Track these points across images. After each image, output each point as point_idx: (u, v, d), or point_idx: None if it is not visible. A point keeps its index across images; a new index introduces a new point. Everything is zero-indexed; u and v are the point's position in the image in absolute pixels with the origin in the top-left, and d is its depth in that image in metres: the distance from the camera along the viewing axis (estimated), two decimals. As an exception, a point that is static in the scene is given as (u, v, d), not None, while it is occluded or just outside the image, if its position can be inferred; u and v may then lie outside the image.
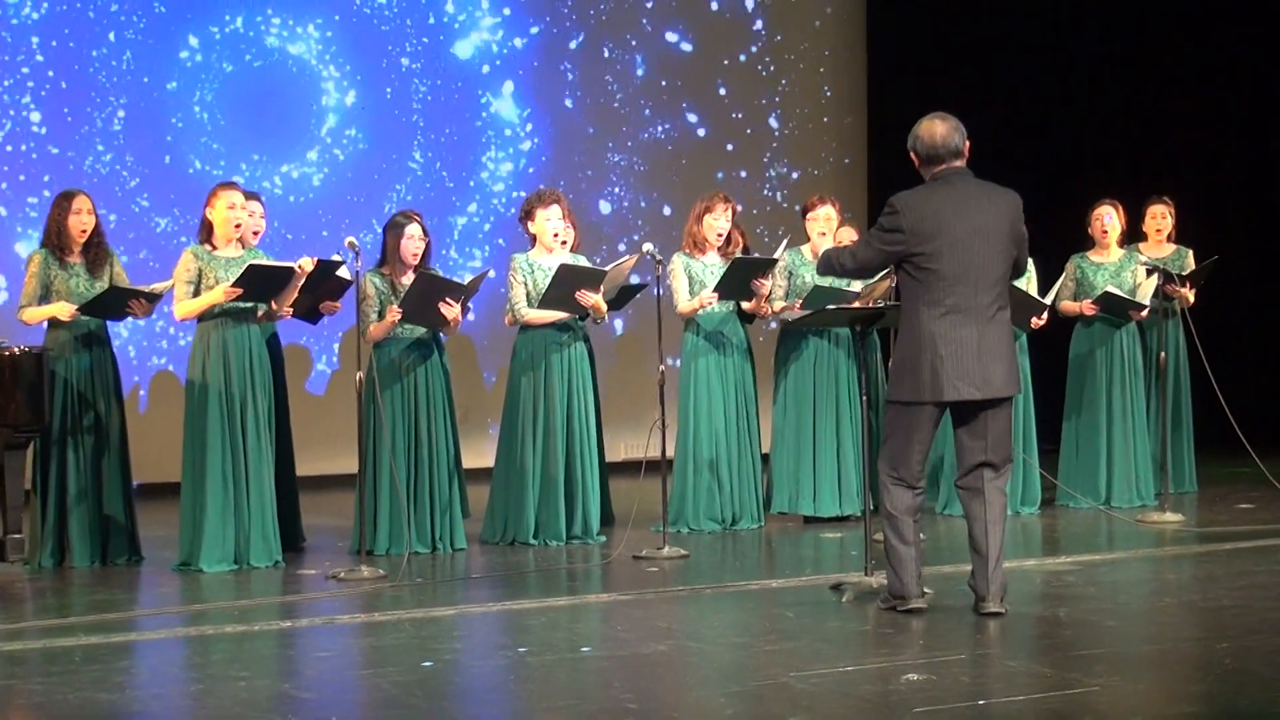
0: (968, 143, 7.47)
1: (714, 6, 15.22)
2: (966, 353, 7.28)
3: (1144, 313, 11.22)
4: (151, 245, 12.87)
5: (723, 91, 15.22)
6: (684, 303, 10.44)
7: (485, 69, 14.29)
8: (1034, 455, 11.02)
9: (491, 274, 9.98)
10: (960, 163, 7.44)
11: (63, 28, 12.79)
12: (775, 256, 10.43)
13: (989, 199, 7.41)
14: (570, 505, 10.02)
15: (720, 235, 10.49)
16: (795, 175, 15.42)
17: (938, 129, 7.42)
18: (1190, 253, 11.77)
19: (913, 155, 7.50)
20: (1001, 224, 7.39)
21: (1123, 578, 8.73)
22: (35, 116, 12.71)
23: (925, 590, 7.55)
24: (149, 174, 13.03)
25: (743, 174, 15.24)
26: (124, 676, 6.71)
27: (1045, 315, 10.73)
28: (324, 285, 9.86)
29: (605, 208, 14.71)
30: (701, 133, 15.13)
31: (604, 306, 10.04)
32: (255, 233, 9.75)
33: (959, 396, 7.31)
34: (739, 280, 10.27)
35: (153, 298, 9.41)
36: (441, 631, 7.50)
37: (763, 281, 10.33)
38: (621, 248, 14.40)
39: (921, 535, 7.66)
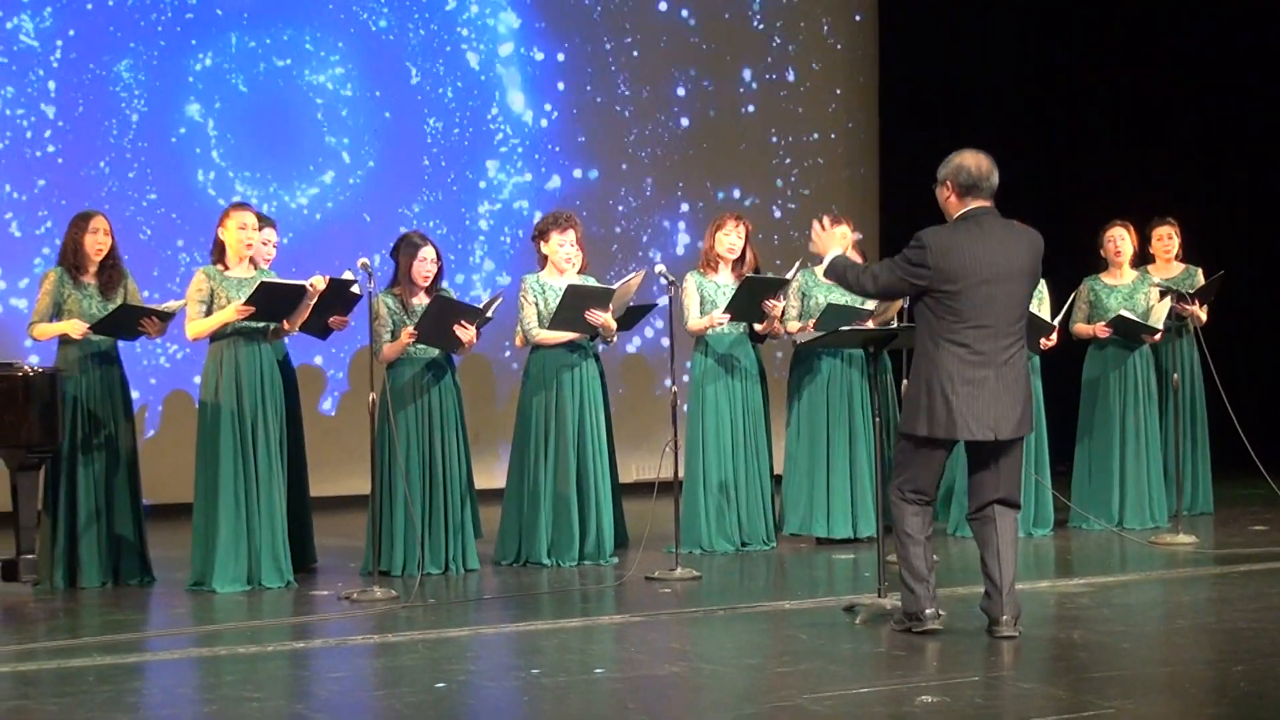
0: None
1: (720, 39, 15.24)
2: (982, 394, 7.24)
3: (1157, 336, 11.21)
4: (163, 265, 12.87)
5: (732, 110, 15.22)
6: (694, 321, 10.44)
7: (498, 86, 14.29)
8: (1046, 477, 11.01)
9: (500, 301, 9.97)
10: (990, 202, 7.39)
11: (75, 48, 12.80)
12: (788, 277, 10.43)
13: (1015, 241, 7.36)
14: (583, 526, 10.01)
15: (732, 250, 10.48)
16: (806, 192, 15.40)
17: (984, 164, 7.36)
18: (1199, 271, 11.77)
19: (947, 184, 7.40)
20: (1025, 266, 7.36)
21: (1136, 600, 8.71)
22: (48, 134, 12.72)
23: (940, 612, 7.51)
24: (161, 193, 13.02)
25: (753, 201, 15.23)
26: (137, 697, 6.72)
27: (1055, 336, 10.71)
28: (335, 303, 9.86)
29: (616, 227, 14.69)
30: (709, 151, 15.13)
31: (613, 325, 10.03)
32: (267, 260, 9.76)
33: (971, 437, 7.29)
34: (750, 300, 10.26)
35: (165, 316, 9.42)
36: (454, 652, 7.49)
37: (774, 303, 10.32)
38: (633, 266, 14.40)
39: (935, 557, 7.64)
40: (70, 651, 7.52)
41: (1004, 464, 7.41)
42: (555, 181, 14.49)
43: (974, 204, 7.36)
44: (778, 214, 15.32)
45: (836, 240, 7.84)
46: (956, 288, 7.22)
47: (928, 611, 7.43)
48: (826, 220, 8.15)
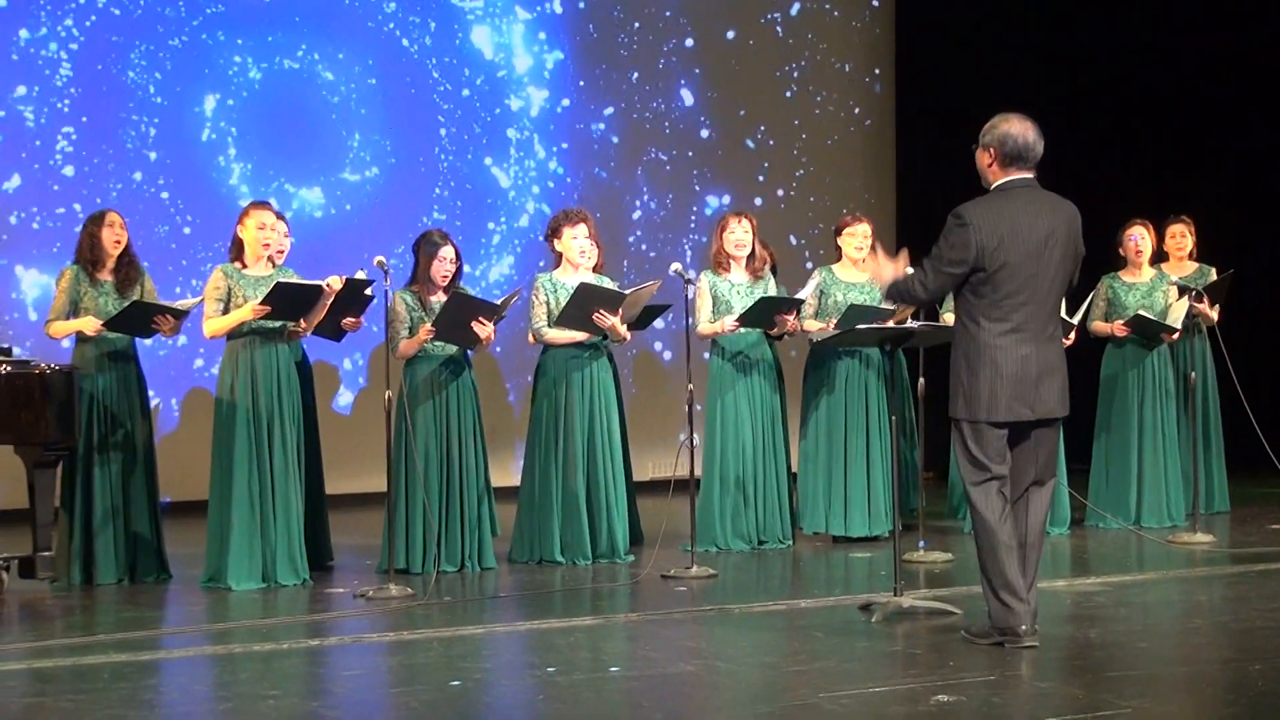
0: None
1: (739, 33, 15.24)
2: (1026, 373, 7.04)
3: (1175, 335, 11.19)
4: (179, 263, 12.89)
5: (742, 112, 15.21)
6: (704, 324, 10.44)
7: (514, 83, 14.29)
8: (1063, 475, 10.97)
9: (518, 297, 9.96)
10: (1033, 173, 7.17)
11: (94, 46, 12.82)
12: (808, 286, 10.43)
13: (1054, 212, 7.13)
14: (594, 524, 10.00)
15: (740, 246, 10.48)
16: (827, 189, 15.40)
17: (1030, 133, 7.10)
18: (1213, 270, 11.75)
19: (988, 151, 7.14)
20: (1066, 239, 7.13)
21: (1154, 599, 8.69)
22: (64, 129, 12.73)
23: (1036, 626, 7.15)
24: (177, 191, 13.04)
25: (780, 192, 15.22)
26: (152, 694, 6.71)
27: (1073, 335, 10.68)
28: (351, 305, 9.86)
29: (631, 221, 14.68)
30: (725, 151, 15.13)
31: (622, 329, 10.00)
32: (280, 252, 9.75)
33: (1014, 418, 7.08)
34: (764, 314, 10.27)
35: (178, 314, 9.42)
36: (469, 650, 7.48)
37: (786, 317, 10.32)
38: (652, 254, 14.41)
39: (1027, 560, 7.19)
40: (86, 649, 7.53)
41: (1043, 446, 7.21)
42: (570, 180, 14.48)
43: (1016, 174, 7.14)
44: (787, 209, 15.31)
45: (889, 268, 7.54)
46: (998, 263, 7.00)
47: (1023, 627, 7.07)
48: (879, 250, 7.90)
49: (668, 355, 14.46)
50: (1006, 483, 7.15)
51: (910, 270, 7.41)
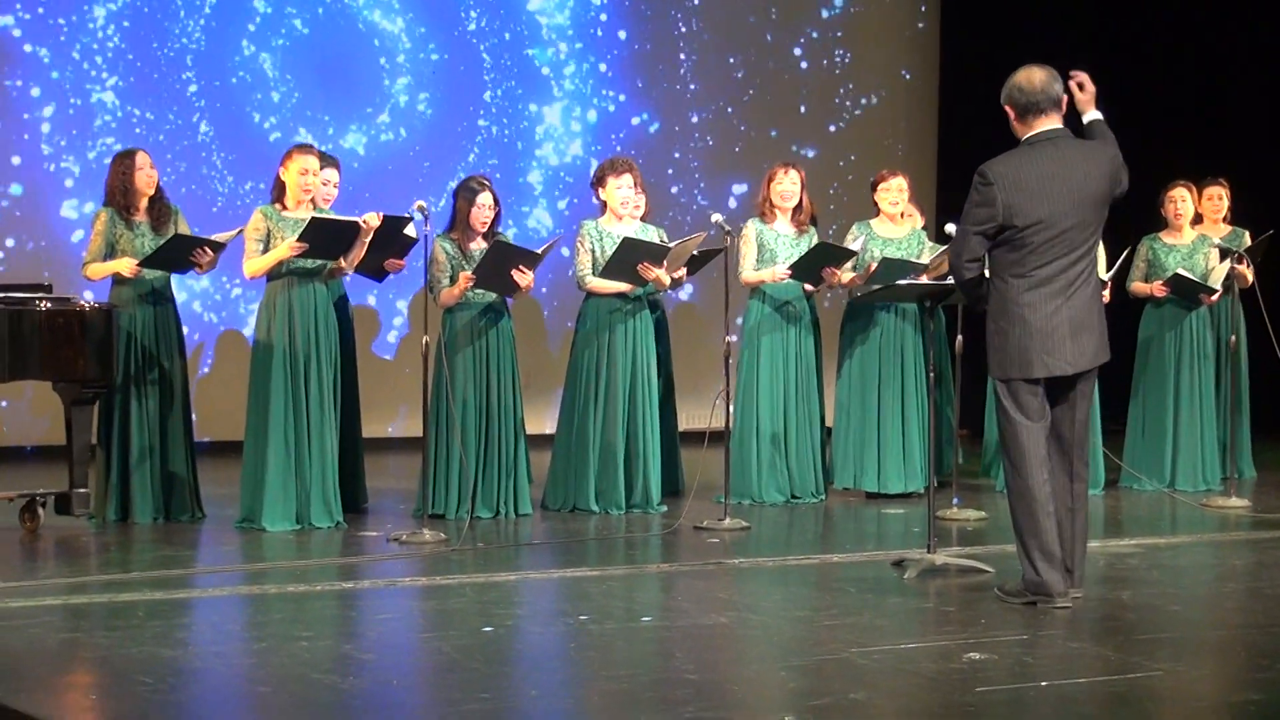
0: (1065, 96, 7.11)
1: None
2: (1058, 327, 6.94)
3: (1215, 297, 11.14)
4: (219, 203, 12.92)
5: (800, 66, 15.16)
6: (749, 271, 10.42)
7: (557, 32, 14.27)
8: (1099, 436, 10.94)
9: (558, 245, 9.96)
10: (1058, 117, 7.06)
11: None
12: (853, 248, 10.40)
13: (1086, 160, 7.03)
14: (630, 474, 10.01)
15: (786, 197, 10.45)
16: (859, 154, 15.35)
17: (1036, 75, 7.02)
18: (1246, 234, 11.70)
19: (1009, 109, 7.08)
20: (1100, 186, 7.04)
21: (1187, 562, 8.68)
22: (109, 78, 12.76)
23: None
24: (219, 132, 13.06)
25: (809, 153, 15.17)
26: (186, 633, 6.76)
27: (1109, 292, 10.61)
28: (391, 244, 9.85)
29: (674, 175, 14.67)
30: (768, 112, 15.08)
31: (666, 280, 9.98)
32: (327, 200, 9.74)
33: (1048, 373, 6.98)
34: (816, 263, 10.25)
35: (216, 247, 9.40)
36: (502, 597, 7.51)
37: (834, 270, 10.31)
38: (689, 217, 14.39)
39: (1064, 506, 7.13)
40: (121, 585, 7.58)
41: (1080, 398, 7.11)
42: (613, 128, 14.46)
43: (1040, 124, 7.06)
44: (839, 162, 15.27)
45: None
46: (1027, 219, 6.92)
47: (1057, 590, 7.01)
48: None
49: (704, 305, 14.45)
50: (1043, 436, 7.04)
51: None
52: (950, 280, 7.82)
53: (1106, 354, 7.14)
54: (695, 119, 14.80)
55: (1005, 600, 7.17)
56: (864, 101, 15.42)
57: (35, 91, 12.56)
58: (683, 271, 10.27)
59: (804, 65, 15.21)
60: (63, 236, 12.61)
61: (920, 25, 15.73)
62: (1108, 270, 10.71)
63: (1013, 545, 7.30)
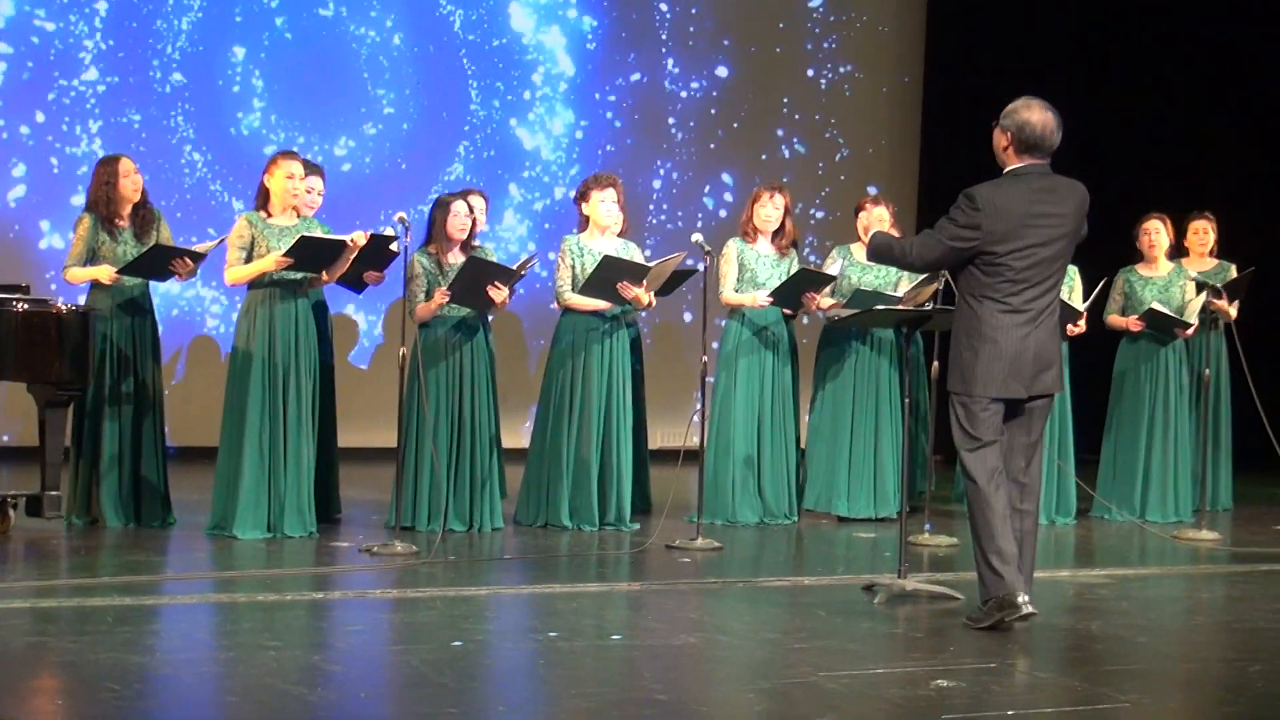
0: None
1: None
2: (1024, 353, 7.10)
3: (1190, 330, 11.17)
4: (202, 209, 12.90)
5: (770, 91, 15.20)
6: (730, 293, 10.43)
7: (542, 47, 14.28)
8: (1070, 464, 10.97)
9: (536, 266, 9.96)
10: (1047, 161, 7.22)
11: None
12: (831, 272, 10.43)
13: (1062, 196, 7.19)
14: (603, 491, 10.01)
15: (768, 220, 10.47)
16: (848, 168, 15.38)
17: (1050, 123, 7.14)
18: (1232, 267, 11.72)
19: (1006, 135, 7.17)
20: (1071, 223, 7.21)
21: (1156, 594, 8.69)
22: (92, 74, 12.75)
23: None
24: (202, 137, 13.05)
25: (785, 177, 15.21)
26: (155, 639, 6.74)
27: (1082, 322, 10.64)
28: (373, 257, 9.85)
29: (655, 186, 14.68)
30: (751, 130, 15.11)
31: (645, 299, 9.99)
32: (311, 208, 9.74)
33: (1011, 395, 7.13)
34: (797, 289, 10.27)
35: (196, 257, 9.39)
36: (472, 611, 7.50)
37: (814, 295, 10.33)
38: (670, 227, 14.41)
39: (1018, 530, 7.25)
40: (90, 590, 7.55)
41: (1037, 417, 7.26)
42: (596, 143, 14.47)
43: (1029, 160, 7.19)
44: (821, 172, 15.30)
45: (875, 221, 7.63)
46: (1007, 246, 7.07)
47: (1021, 598, 7.09)
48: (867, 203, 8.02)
49: (681, 324, 14.46)
50: (999, 452, 7.18)
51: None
52: (928, 307, 7.88)
53: (1062, 385, 7.41)
54: (680, 134, 14.81)
55: (974, 627, 7.19)
56: (839, 157, 15.46)
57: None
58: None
59: (794, 117, 15.25)
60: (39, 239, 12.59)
61: (906, 79, 15.77)
62: (1084, 301, 10.75)
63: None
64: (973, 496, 7.20)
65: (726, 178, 14.92)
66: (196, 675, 6.17)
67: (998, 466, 7.18)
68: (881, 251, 7.56)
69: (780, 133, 15.23)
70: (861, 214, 10.73)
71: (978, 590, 7.26)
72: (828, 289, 10.52)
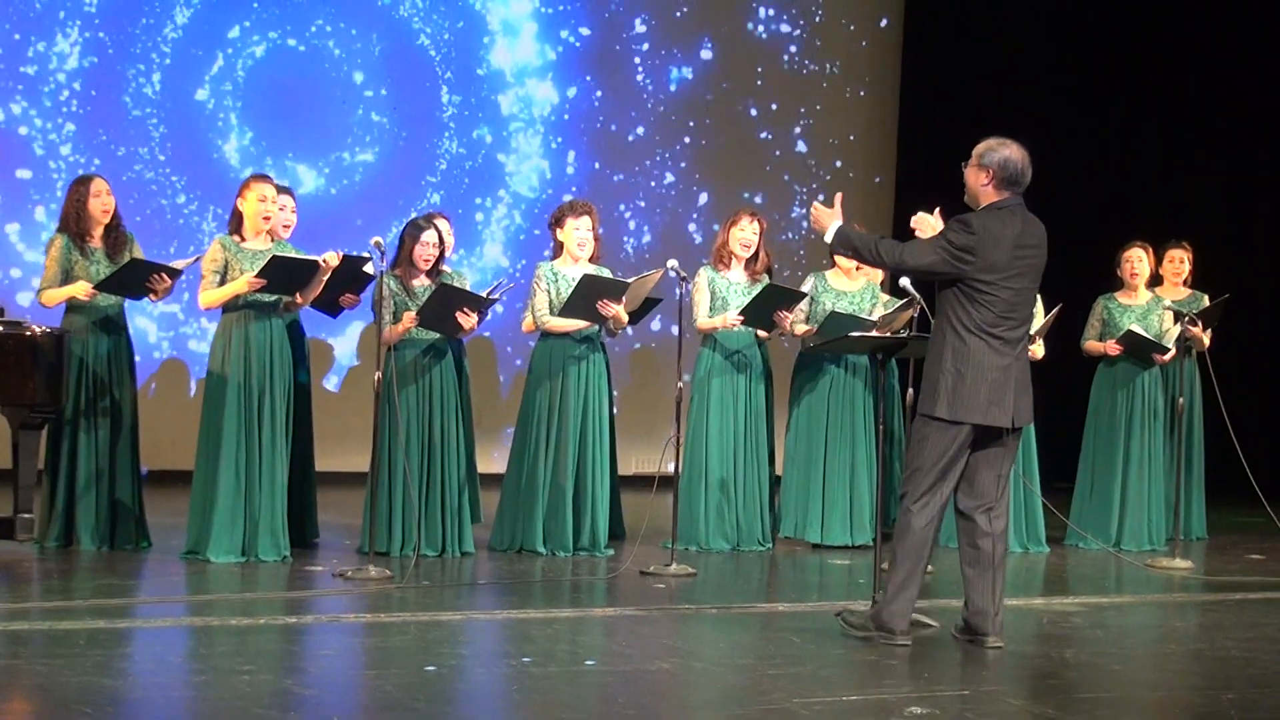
0: None
1: (750, 28, 15.23)
2: (1005, 381, 7.25)
3: (1167, 356, 11.20)
4: (180, 235, 12.89)
5: (754, 113, 15.21)
6: (704, 319, 10.45)
7: (520, 72, 14.31)
8: (1037, 488, 10.92)
9: (503, 295, 9.98)
10: (1021, 198, 7.40)
11: (97, 18, 12.82)
12: (804, 290, 10.45)
13: (1034, 230, 7.38)
14: (578, 517, 10.00)
15: (745, 247, 10.49)
16: (821, 197, 15.41)
17: (1026, 160, 7.35)
18: (1205, 297, 11.76)
19: (989, 172, 7.32)
20: (1042, 256, 7.40)
21: (1129, 622, 8.70)
22: (65, 95, 12.75)
23: (928, 621, 7.50)
24: (178, 162, 13.04)
25: (760, 199, 15.23)
26: (127, 663, 6.72)
27: (1042, 349, 10.54)
28: (348, 280, 9.85)
29: (630, 216, 14.70)
30: (726, 149, 15.13)
31: (625, 317, 10.04)
32: (286, 226, 9.75)
33: (989, 421, 7.26)
34: (766, 307, 10.27)
35: (173, 273, 9.38)
36: (446, 636, 7.49)
37: (785, 315, 10.34)
38: (647, 256, 14.42)
39: (929, 567, 7.64)
40: (63, 613, 7.53)
41: (1008, 455, 7.44)
42: (572, 170, 14.49)
43: (1007, 195, 7.34)
44: (795, 213, 15.32)
45: (837, 215, 7.63)
46: (996, 277, 7.22)
47: (900, 627, 7.39)
48: (829, 201, 7.93)
49: (657, 350, 14.46)
50: (950, 487, 7.37)
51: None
52: (903, 334, 7.92)
53: (1031, 416, 7.46)
54: (658, 160, 14.83)
55: (847, 630, 7.54)
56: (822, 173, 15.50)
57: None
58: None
59: (764, 136, 15.28)
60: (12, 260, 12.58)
61: (879, 90, 15.82)
62: (1036, 327, 10.73)
63: (957, 600, 7.53)
64: (909, 524, 7.38)
65: (703, 200, 14.93)
66: (169, 699, 6.15)
67: (943, 502, 7.38)
68: (848, 242, 7.56)
69: (768, 168, 15.26)
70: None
71: (871, 604, 7.57)
72: (800, 313, 10.52)
